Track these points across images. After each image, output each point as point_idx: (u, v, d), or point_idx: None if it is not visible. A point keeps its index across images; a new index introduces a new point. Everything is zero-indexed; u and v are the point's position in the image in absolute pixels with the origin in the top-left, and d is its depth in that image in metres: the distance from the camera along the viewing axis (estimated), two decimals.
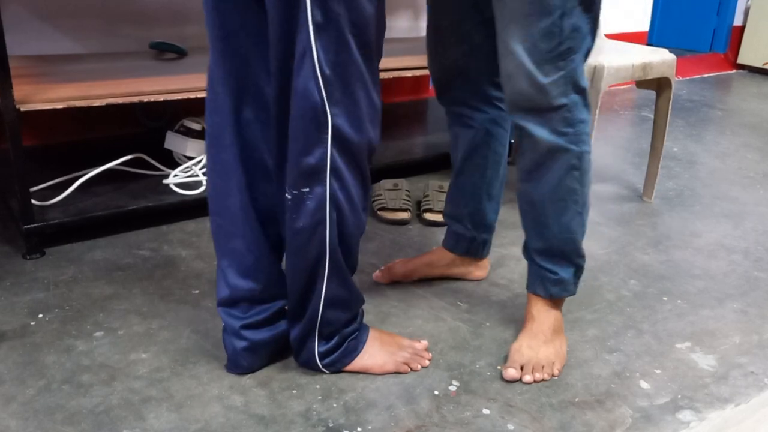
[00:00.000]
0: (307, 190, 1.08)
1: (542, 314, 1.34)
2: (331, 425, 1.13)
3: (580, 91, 1.19)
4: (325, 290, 1.16)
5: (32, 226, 1.62)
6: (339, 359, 1.24)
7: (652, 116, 2.13)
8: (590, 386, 1.27)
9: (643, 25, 4.01)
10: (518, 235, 1.87)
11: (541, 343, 1.30)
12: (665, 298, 1.60)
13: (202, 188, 1.88)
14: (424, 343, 1.32)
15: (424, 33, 2.68)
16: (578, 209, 1.27)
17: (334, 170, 1.07)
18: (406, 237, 1.87)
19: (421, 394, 1.22)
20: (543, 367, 1.27)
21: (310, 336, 1.21)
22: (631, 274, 1.71)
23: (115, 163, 1.90)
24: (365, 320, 1.32)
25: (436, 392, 1.22)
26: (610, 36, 3.67)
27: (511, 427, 1.15)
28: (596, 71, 1.81)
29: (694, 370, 1.33)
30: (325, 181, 1.07)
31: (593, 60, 1.82)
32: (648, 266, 1.75)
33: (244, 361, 1.23)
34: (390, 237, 1.86)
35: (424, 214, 1.95)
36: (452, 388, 1.24)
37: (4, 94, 1.51)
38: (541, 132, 1.20)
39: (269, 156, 1.16)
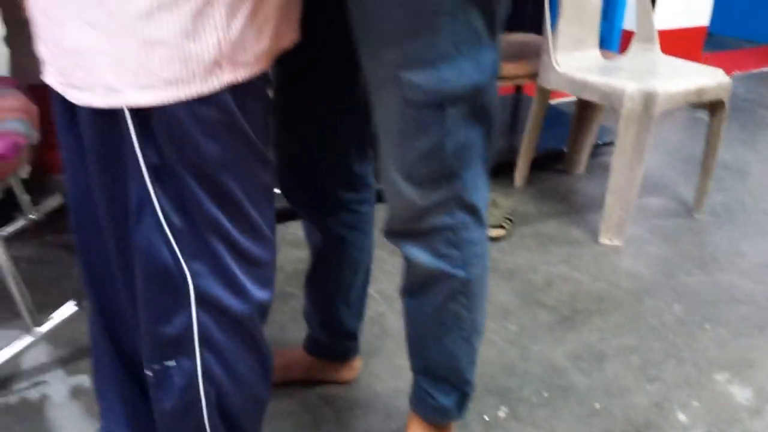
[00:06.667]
0: (173, 364, 0.87)
1: None
2: None
3: (471, 210, 0.99)
4: None
5: None
6: None
7: (707, 119, 2.13)
8: (630, 416, 1.36)
9: (703, 19, 3.95)
10: (568, 253, 1.95)
11: None
12: (707, 326, 1.67)
13: None
14: None
15: None
16: (464, 335, 1.08)
17: (207, 341, 0.86)
18: None
19: (473, 419, 1.34)
20: None
21: None
22: (676, 298, 1.78)
23: None
24: None
25: (486, 417, 1.34)
26: (666, 32, 3.64)
27: None
28: (649, 97, 1.86)
29: (731, 402, 1.42)
30: (194, 354, 0.86)
31: (646, 85, 1.87)
32: (693, 289, 1.82)
33: None
34: None
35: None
36: (501, 414, 1.35)
37: None
38: (419, 255, 1.01)
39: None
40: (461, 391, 1.13)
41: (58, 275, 1.73)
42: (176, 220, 0.81)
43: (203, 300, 0.85)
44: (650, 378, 1.48)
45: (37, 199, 1.94)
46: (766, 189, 2.47)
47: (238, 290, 0.86)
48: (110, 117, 0.78)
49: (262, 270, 0.89)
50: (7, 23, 1.95)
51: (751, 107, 3.46)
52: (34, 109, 1.39)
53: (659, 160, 2.71)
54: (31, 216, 1.81)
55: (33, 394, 1.36)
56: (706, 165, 2.16)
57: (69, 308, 1.45)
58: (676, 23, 3.80)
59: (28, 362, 1.43)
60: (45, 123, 1.48)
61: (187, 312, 0.85)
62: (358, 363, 1.43)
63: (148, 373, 0.89)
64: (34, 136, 1.29)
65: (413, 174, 0.94)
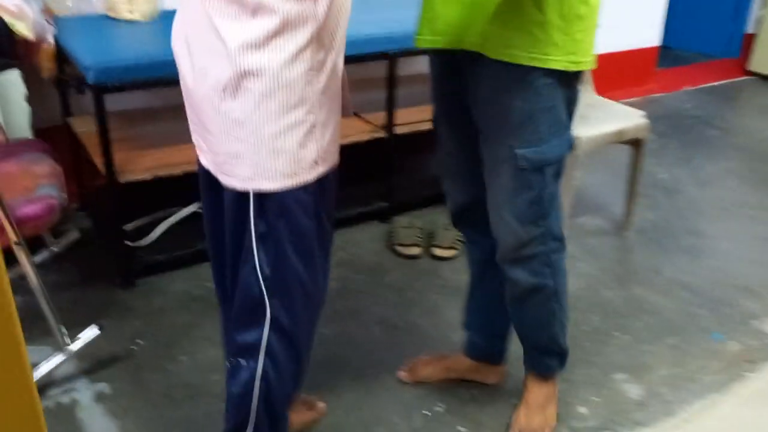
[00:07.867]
0: (243, 362, 1.25)
1: (535, 387, 1.65)
2: None
3: (558, 239, 1.45)
4: None
5: (125, 263, 2.12)
6: None
7: (652, 136, 2.44)
8: None
9: (654, 38, 4.24)
10: None
11: (535, 412, 1.63)
12: (616, 333, 2.03)
13: None
14: None
15: None
16: (560, 319, 1.55)
17: (269, 352, 1.24)
18: (416, 270, 2.31)
19: (416, 414, 1.69)
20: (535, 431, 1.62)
21: None
22: (595, 310, 2.13)
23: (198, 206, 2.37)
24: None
25: (426, 412, 1.69)
26: (617, 54, 3.96)
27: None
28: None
29: (624, 398, 1.78)
30: (258, 359, 1.24)
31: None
32: (609, 302, 2.17)
33: None
34: (403, 270, 2.31)
35: (433, 249, 2.39)
36: (438, 410, 1.71)
37: (108, 169, 1.97)
38: (520, 275, 1.45)
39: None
40: (561, 354, 1.62)
41: (78, 299, 2.07)
42: (267, 270, 1.20)
43: (274, 325, 1.23)
44: (562, 379, 1.82)
45: (56, 227, 2.27)
46: (691, 207, 2.82)
47: (298, 322, 1.26)
48: (241, 196, 1.17)
49: (314, 308, 1.30)
50: (23, 70, 2.20)
51: (695, 124, 3.80)
52: (60, 170, 1.73)
53: (599, 180, 3.03)
54: (53, 248, 2.15)
55: (65, 399, 1.71)
56: (631, 192, 2.52)
57: (93, 330, 1.79)
58: (627, 44, 4.09)
59: (59, 373, 1.78)
60: (63, 161, 1.81)
61: (261, 330, 1.23)
62: (503, 369, 1.80)
63: (227, 363, 1.29)
64: (64, 197, 1.63)
65: (522, 216, 1.39)
